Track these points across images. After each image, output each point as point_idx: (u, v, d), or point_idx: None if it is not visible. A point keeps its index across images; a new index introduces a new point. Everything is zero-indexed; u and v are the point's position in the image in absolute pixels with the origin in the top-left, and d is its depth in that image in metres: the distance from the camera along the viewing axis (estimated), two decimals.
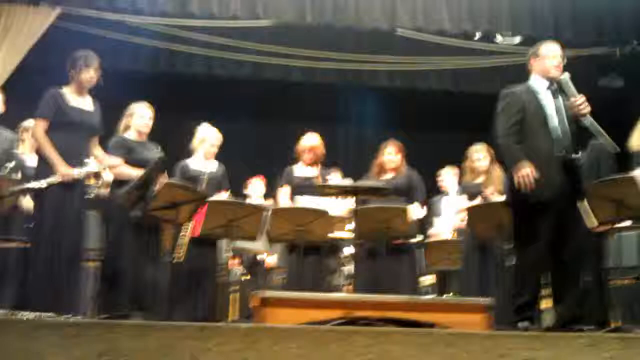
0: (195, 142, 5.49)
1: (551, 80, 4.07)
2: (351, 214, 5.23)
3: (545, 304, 4.27)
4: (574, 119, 3.96)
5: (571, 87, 3.99)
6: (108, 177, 5.23)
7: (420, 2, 7.06)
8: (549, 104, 4.02)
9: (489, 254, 5.29)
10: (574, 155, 3.95)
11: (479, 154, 5.60)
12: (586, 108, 3.90)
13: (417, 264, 5.78)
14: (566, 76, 4.03)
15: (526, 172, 3.82)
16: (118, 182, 4.79)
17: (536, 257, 3.90)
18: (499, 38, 7.60)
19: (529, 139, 3.96)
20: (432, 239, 6.28)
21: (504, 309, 4.21)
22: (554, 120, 3.97)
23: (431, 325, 3.81)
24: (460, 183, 6.30)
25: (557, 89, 4.06)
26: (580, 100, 3.91)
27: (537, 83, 4.11)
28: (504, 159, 4.15)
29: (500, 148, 4.08)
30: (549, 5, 7.14)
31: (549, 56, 4.09)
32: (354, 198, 4.98)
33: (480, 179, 5.60)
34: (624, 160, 4.98)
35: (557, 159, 3.91)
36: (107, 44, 7.31)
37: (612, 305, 4.98)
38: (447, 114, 8.86)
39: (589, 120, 3.92)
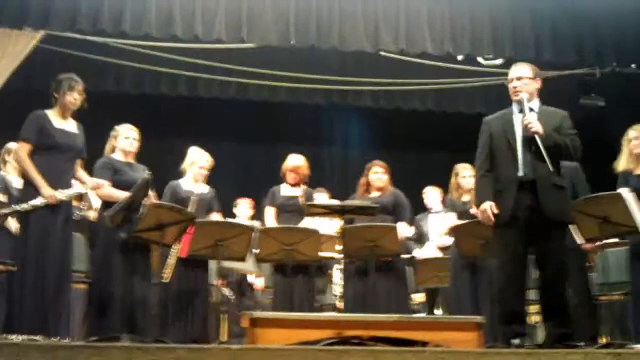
0: (186, 164, 5.49)
1: (518, 103, 4.13)
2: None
3: (536, 320, 4.29)
4: (532, 139, 4.00)
5: (525, 108, 4.05)
6: (95, 200, 5.19)
7: (403, 25, 7.14)
8: (518, 126, 4.08)
9: (480, 272, 5.28)
10: (535, 175, 3.96)
11: (466, 172, 5.65)
12: (535, 127, 3.94)
13: (407, 282, 5.77)
14: (522, 97, 4.07)
15: (484, 208, 4.03)
16: (105, 204, 4.74)
17: (510, 274, 3.95)
18: (481, 60, 7.70)
19: (498, 162, 4.07)
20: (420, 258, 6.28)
21: (497, 327, 4.21)
22: (519, 143, 4.03)
23: (424, 344, 3.80)
24: (444, 201, 6.32)
25: (530, 110, 4.11)
26: (527, 120, 3.97)
27: (514, 107, 4.19)
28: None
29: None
30: (530, 27, 7.25)
31: (509, 80, 4.20)
32: (342, 218, 4.98)
33: (466, 197, 5.64)
34: (603, 179, 5.06)
35: (520, 180, 3.96)
36: (91, 66, 7.31)
37: (602, 321, 5.01)
38: (430, 135, 8.94)
39: (537, 140, 3.95)
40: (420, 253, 6.43)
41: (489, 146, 4.13)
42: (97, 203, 5.23)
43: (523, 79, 4.13)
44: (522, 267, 4.00)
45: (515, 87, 4.12)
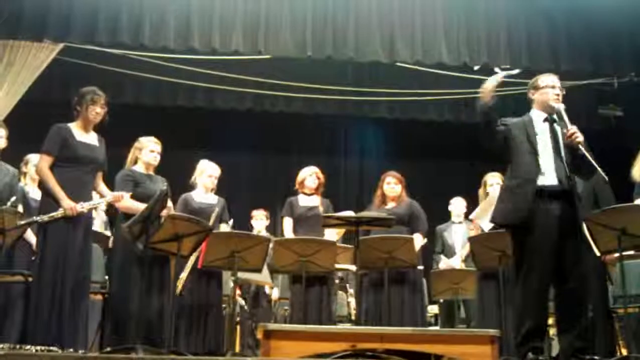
0: (195, 176, 5.53)
1: (549, 112, 4.09)
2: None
3: (553, 333, 4.23)
4: (570, 149, 3.97)
5: (565, 118, 4.01)
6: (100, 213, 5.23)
7: (418, 35, 7.16)
8: (544, 134, 4.03)
9: (504, 283, 5.13)
10: (569, 185, 3.93)
11: (494, 179, 5.58)
12: (579, 137, 3.91)
13: (423, 293, 5.73)
14: (561, 107, 4.04)
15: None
16: (124, 216, 4.78)
17: (535, 286, 3.86)
18: (498, 70, 7.68)
19: (520, 167, 3.97)
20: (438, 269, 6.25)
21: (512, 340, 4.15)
22: (548, 151, 3.97)
23: (438, 357, 3.78)
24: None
25: (556, 119, 4.07)
26: (572, 130, 3.93)
27: (535, 114, 4.13)
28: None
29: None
30: (547, 37, 7.24)
31: (548, 87, 4.11)
32: (357, 228, 4.99)
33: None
34: (621, 189, 4.99)
35: (553, 189, 3.90)
36: (110, 78, 7.40)
37: (619, 334, 4.94)
38: (446, 145, 8.93)
39: (582, 150, 3.92)
40: (444, 264, 6.37)
41: (508, 147, 4.02)
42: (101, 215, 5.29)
43: (563, 90, 4.13)
44: (549, 280, 3.91)
45: (558, 94, 4.08)
